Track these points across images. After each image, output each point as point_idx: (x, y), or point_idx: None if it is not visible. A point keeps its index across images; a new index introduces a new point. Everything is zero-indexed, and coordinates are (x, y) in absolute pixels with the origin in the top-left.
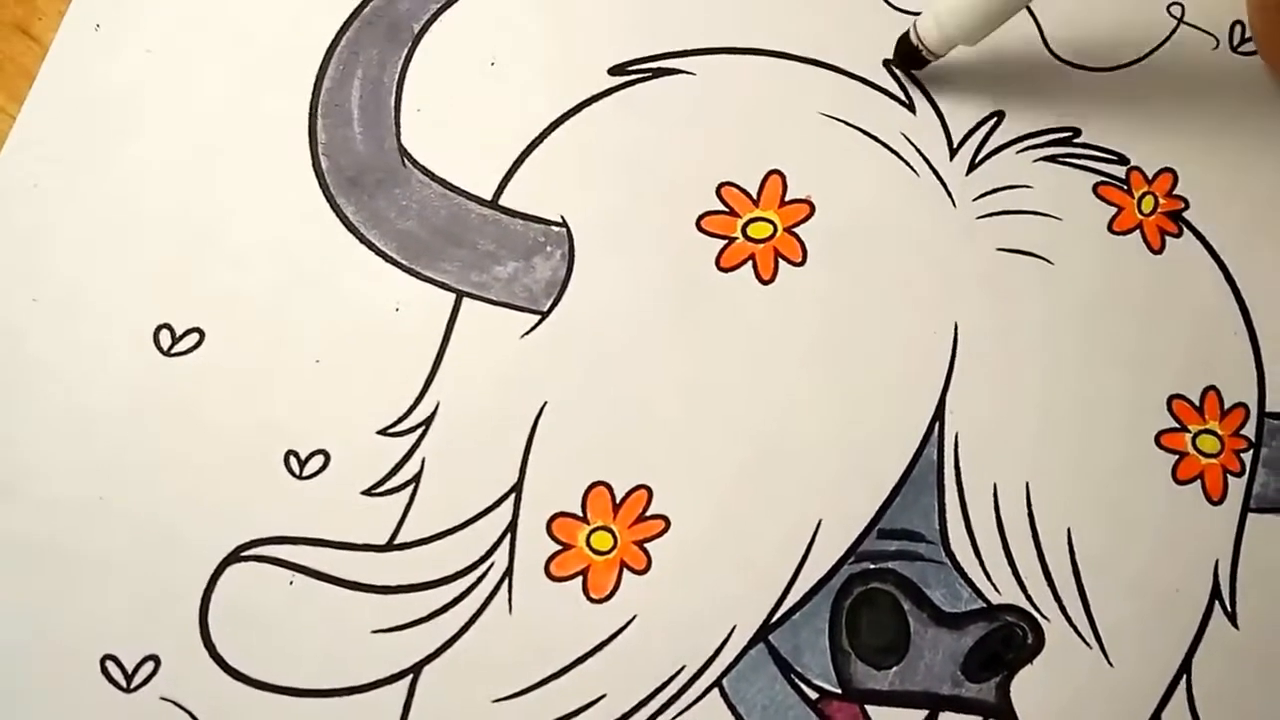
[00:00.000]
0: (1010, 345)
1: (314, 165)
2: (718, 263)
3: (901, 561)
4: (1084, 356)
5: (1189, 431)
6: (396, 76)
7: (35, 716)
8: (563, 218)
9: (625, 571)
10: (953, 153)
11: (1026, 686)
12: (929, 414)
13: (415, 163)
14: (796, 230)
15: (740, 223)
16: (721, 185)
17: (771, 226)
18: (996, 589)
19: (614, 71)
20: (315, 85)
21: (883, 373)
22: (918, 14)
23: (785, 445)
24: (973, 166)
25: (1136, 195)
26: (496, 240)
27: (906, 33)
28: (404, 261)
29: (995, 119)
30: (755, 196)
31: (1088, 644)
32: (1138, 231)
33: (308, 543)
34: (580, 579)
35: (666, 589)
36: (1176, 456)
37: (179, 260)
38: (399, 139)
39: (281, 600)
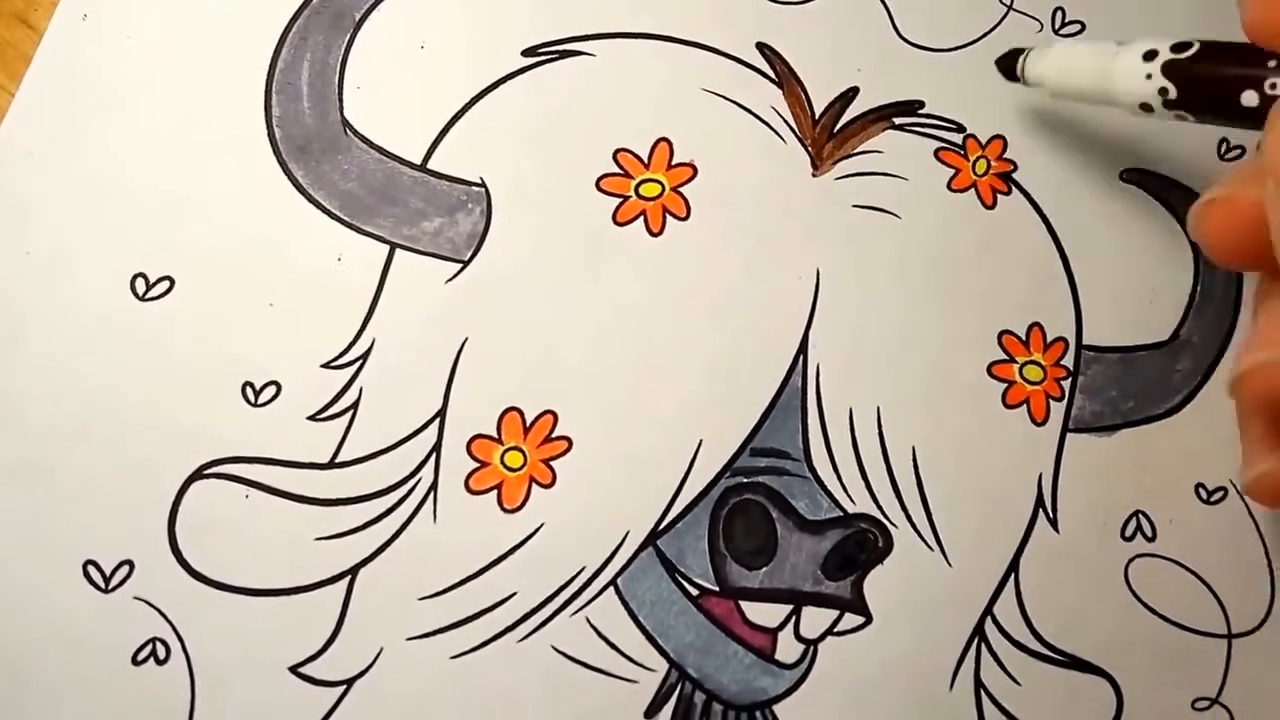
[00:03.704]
0: (864, 288)
1: (269, 135)
2: (614, 218)
3: (770, 476)
4: (928, 298)
5: (1017, 362)
6: (340, 58)
7: (29, 613)
8: (482, 179)
9: (534, 486)
10: (814, 123)
11: (878, 584)
12: (794, 348)
13: (356, 133)
14: (682, 190)
15: (633, 183)
16: (617, 151)
17: (660, 186)
18: (852, 499)
19: (526, 53)
20: (270, 66)
21: (755, 312)
22: (788, 2)
23: (672, 375)
24: (831, 135)
25: (971, 159)
26: (425, 199)
27: (1020, 49)
28: (345, 218)
29: (851, 93)
30: (646, 161)
31: (930, 547)
32: (973, 190)
33: (261, 462)
34: (495, 492)
35: (569, 501)
36: (1006, 384)
37: (153, 218)
38: (342, 112)
39: (238, 512)
